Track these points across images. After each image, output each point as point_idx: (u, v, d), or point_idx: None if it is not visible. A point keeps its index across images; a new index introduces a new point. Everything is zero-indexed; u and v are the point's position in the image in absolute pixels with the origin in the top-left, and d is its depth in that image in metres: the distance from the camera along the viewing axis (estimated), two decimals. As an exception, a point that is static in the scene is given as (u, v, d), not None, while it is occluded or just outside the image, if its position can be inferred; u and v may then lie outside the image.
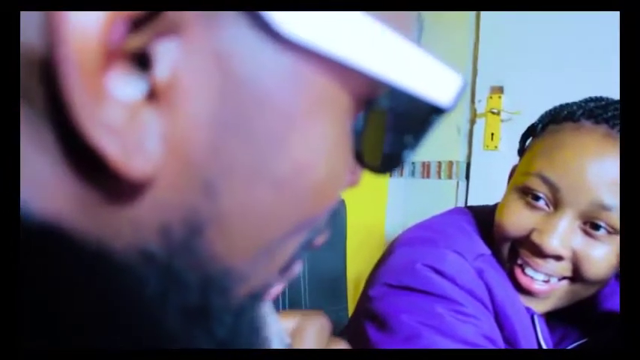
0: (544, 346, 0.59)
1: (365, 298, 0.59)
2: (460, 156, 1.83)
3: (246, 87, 0.17)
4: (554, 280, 0.56)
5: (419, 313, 0.54)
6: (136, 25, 0.16)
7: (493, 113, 1.59)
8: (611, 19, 1.27)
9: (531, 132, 0.63)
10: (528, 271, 0.57)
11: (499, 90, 1.61)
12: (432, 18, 1.72)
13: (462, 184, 1.81)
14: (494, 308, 0.56)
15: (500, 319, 0.56)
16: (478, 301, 0.56)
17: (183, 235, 0.18)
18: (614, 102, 0.58)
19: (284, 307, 0.88)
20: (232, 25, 0.17)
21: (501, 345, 0.56)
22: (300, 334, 0.34)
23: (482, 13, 1.68)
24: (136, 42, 0.16)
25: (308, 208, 0.22)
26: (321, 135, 0.20)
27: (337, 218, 1.11)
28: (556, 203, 0.55)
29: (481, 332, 0.54)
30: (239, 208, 0.19)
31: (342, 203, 1.16)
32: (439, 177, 1.86)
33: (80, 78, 0.16)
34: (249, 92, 0.17)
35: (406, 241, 0.60)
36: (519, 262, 0.57)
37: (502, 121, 1.57)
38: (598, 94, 0.60)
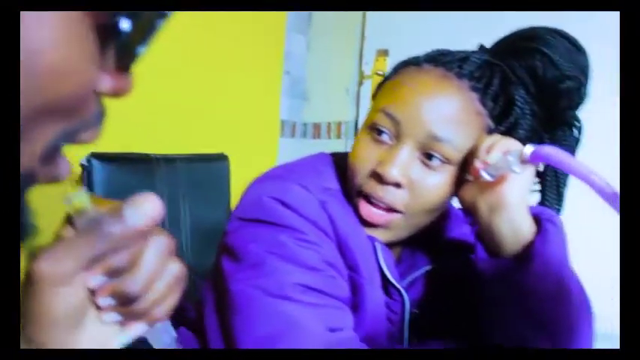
0: (386, 272, 0.64)
1: (223, 234, 0.64)
2: (349, 116, 1.95)
3: None
4: (393, 213, 0.61)
5: (265, 242, 0.58)
6: None
7: (378, 75, 1.70)
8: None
9: (385, 79, 0.68)
10: (372, 201, 0.61)
11: (384, 53, 1.71)
12: None
13: (350, 142, 1.87)
14: (336, 237, 0.61)
15: (342, 247, 0.61)
16: (320, 230, 0.60)
17: None
18: (457, 52, 0.64)
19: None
20: None
21: (342, 270, 0.60)
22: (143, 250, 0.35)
23: None
24: None
25: (46, 90, 0.26)
26: (50, 26, 0.25)
27: (220, 175, 1.16)
28: (397, 136, 0.60)
29: (322, 258, 0.58)
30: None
31: (226, 160, 1.19)
32: (329, 137, 2.01)
33: None
34: None
35: (258, 179, 0.64)
36: (364, 194, 0.61)
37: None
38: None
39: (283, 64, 1.93)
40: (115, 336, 0.37)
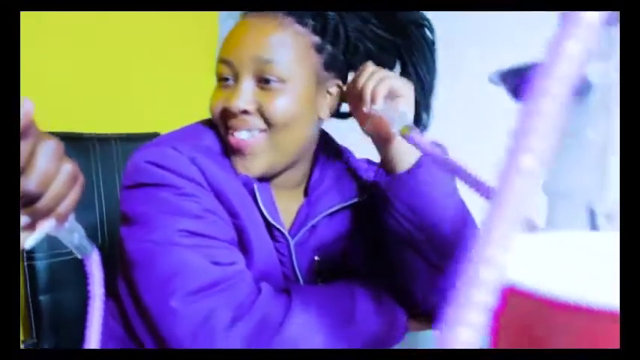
0: (265, 213, 0.69)
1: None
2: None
3: None
4: (255, 134, 0.67)
5: (148, 202, 0.65)
6: None
7: None
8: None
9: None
10: (235, 134, 0.67)
11: None
12: None
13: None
14: (211, 188, 0.66)
15: (218, 195, 0.67)
16: (195, 183, 0.65)
17: None
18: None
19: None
20: None
21: (223, 215, 0.66)
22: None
23: None
24: None
25: None
26: None
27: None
28: (236, 76, 0.67)
29: (202, 207, 0.65)
30: None
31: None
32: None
33: None
34: None
35: (138, 149, 0.70)
36: (229, 131, 0.68)
37: None
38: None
39: (217, 44, 1.90)
40: (27, 237, 0.41)
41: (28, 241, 0.42)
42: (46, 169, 0.39)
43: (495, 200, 0.19)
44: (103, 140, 1.06)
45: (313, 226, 0.75)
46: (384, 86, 0.65)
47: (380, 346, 0.66)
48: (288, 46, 0.67)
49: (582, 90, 0.27)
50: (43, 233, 0.42)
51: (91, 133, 1.06)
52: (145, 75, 1.53)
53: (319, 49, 0.69)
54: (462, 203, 0.73)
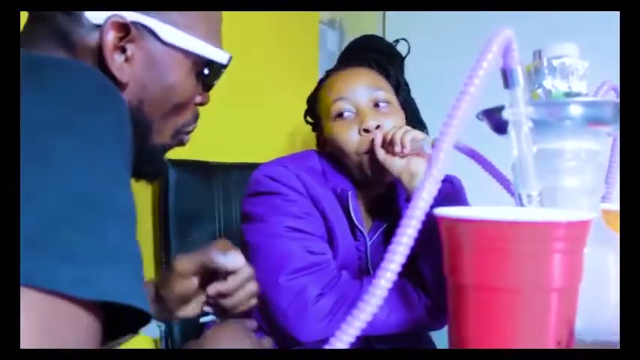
0: (352, 216, 0.89)
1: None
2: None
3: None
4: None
5: (264, 205, 0.88)
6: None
7: None
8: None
9: (319, 87, 0.99)
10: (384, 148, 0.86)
11: None
12: (344, 13, 1.86)
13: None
14: (309, 196, 0.88)
15: (314, 202, 0.88)
16: (298, 192, 0.87)
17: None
18: (358, 56, 0.98)
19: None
20: None
21: (317, 217, 0.88)
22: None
23: (388, 16, 1.89)
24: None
25: (174, 99, 0.54)
26: (178, 69, 0.54)
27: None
28: (355, 107, 0.90)
29: (302, 210, 0.87)
30: (154, 100, 0.53)
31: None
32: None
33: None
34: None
35: (258, 168, 0.93)
36: (365, 150, 0.87)
37: None
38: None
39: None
40: (191, 309, 0.68)
41: (187, 311, 0.68)
42: (239, 283, 0.66)
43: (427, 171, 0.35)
44: (225, 168, 1.31)
45: (386, 232, 0.93)
46: (409, 135, 0.83)
47: (425, 328, 0.91)
48: (385, 84, 0.93)
49: (501, 126, 0.43)
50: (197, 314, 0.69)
51: (215, 162, 1.31)
52: (258, 110, 1.56)
53: (395, 85, 0.96)
54: None
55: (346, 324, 0.35)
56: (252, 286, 0.68)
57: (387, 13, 1.90)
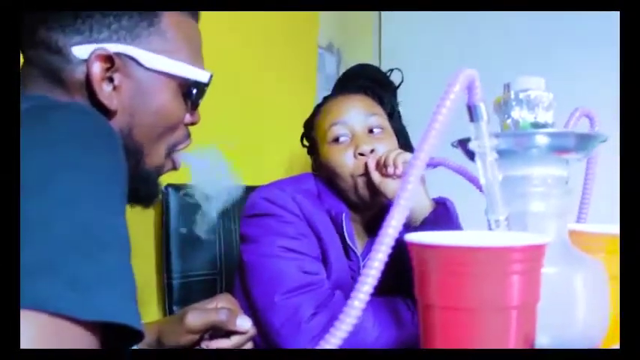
0: (346, 237, 0.91)
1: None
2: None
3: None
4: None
5: (260, 227, 0.89)
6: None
7: None
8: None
9: (315, 112, 1.01)
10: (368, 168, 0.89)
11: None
12: (341, 39, 1.91)
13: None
14: (305, 218, 0.90)
15: (309, 223, 0.90)
16: (293, 215, 0.89)
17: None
18: (354, 84, 1.02)
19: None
20: None
21: (312, 238, 0.90)
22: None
23: (384, 39, 1.98)
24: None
25: (165, 121, 0.57)
26: (166, 93, 0.57)
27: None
28: (351, 131, 0.92)
29: (297, 231, 0.88)
30: (144, 125, 0.55)
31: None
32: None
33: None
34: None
35: (255, 190, 0.94)
36: (360, 173, 0.89)
37: None
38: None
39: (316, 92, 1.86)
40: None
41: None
42: (245, 340, 0.71)
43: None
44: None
45: None
46: (402, 157, 0.86)
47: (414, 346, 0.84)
48: (379, 110, 0.96)
49: (472, 154, 0.46)
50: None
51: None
52: (261, 133, 1.55)
53: (388, 111, 1.00)
54: None
55: (324, 340, 0.39)
56: (250, 344, 0.72)
57: (383, 40, 1.99)
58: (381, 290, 0.87)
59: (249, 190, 0.94)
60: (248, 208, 0.93)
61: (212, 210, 1.07)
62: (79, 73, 0.52)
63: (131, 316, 0.37)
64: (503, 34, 1.70)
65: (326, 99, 1.01)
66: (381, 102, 0.99)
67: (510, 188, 0.48)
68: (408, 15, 1.88)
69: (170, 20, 0.56)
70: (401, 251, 0.79)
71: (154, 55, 0.54)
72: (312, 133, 1.00)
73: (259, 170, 1.50)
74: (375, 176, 0.87)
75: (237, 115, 1.47)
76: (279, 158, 1.66)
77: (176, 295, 1.15)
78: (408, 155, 0.86)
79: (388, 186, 0.86)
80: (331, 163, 0.92)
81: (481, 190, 0.55)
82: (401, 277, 0.84)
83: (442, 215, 0.88)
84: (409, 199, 0.39)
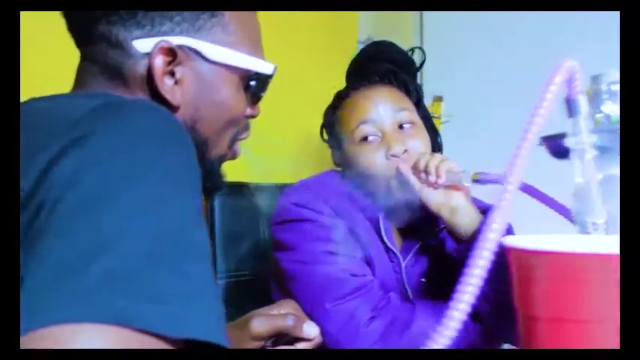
0: (384, 238, 0.88)
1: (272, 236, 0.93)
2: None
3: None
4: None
5: (295, 232, 0.86)
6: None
7: (435, 117, 1.84)
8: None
9: (335, 108, 0.96)
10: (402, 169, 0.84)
11: (439, 99, 1.90)
12: (380, 33, 1.86)
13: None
14: (339, 219, 0.85)
15: (346, 225, 0.85)
16: (328, 217, 0.85)
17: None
18: (373, 72, 0.94)
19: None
20: None
21: (351, 240, 0.85)
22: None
23: (426, 37, 1.93)
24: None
25: (229, 113, 0.56)
26: (229, 86, 0.56)
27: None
28: (382, 130, 0.87)
29: (338, 234, 0.83)
30: (208, 118, 0.55)
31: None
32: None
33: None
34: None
35: (283, 194, 0.92)
36: (395, 173, 0.85)
37: (442, 123, 1.87)
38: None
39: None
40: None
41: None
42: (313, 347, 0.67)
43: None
44: (268, 189, 1.33)
45: (419, 253, 0.92)
46: (445, 165, 0.80)
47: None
48: (408, 103, 0.92)
49: (562, 152, 0.43)
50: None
51: (253, 182, 1.33)
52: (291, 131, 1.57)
53: (415, 101, 0.94)
54: None
55: (432, 342, 0.36)
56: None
57: (425, 31, 1.93)
58: (434, 294, 0.86)
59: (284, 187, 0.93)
60: (279, 213, 0.90)
61: (255, 208, 1.08)
62: (141, 68, 0.51)
63: (219, 333, 0.35)
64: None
65: (348, 90, 0.95)
66: (407, 91, 0.93)
67: (608, 189, 0.44)
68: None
69: (232, 11, 0.55)
70: (452, 262, 0.80)
71: (218, 47, 0.53)
72: (334, 128, 0.95)
73: (297, 167, 1.51)
74: (414, 182, 0.82)
75: (276, 112, 1.48)
76: (322, 155, 1.65)
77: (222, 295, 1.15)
78: (451, 164, 0.81)
79: (429, 196, 0.82)
80: (361, 164, 0.87)
81: (550, 205, 0.52)
82: (450, 285, 0.83)
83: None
84: (512, 202, 0.36)
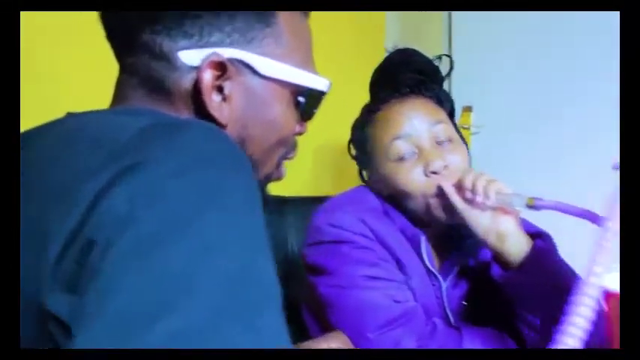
0: (425, 259, 0.82)
1: (302, 256, 0.88)
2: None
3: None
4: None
5: (331, 255, 0.80)
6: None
7: (464, 128, 1.80)
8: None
9: (366, 117, 0.89)
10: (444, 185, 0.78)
11: (469, 109, 1.85)
12: (407, 41, 1.83)
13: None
14: (378, 240, 0.81)
15: (385, 246, 0.81)
16: (367, 238, 0.80)
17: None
18: (403, 85, 0.88)
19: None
20: None
21: (392, 263, 0.80)
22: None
23: (454, 45, 1.87)
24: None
25: (279, 133, 0.52)
26: (279, 104, 0.51)
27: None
28: (419, 146, 0.81)
29: (376, 256, 0.79)
30: (257, 137, 0.50)
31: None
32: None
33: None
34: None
35: (316, 213, 0.86)
36: (434, 192, 0.79)
37: (471, 134, 1.82)
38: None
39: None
40: None
41: None
42: None
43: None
44: (297, 201, 1.31)
45: (460, 276, 0.86)
46: (494, 186, 0.74)
47: None
48: (444, 116, 0.85)
49: None
50: None
51: (287, 196, 1.29)
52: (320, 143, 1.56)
53: (449, 112, 0.88)
54: (575, 276, 0.75)
55: None
56: None
57: (453, 36, 1.87)
58: (475, 318, 0.85)
59: (322, 200, 0.88)
60: (313, 235, 0.84)
61: (281, 222, 1.04)
62: (187, 82, 0.46)
63: None
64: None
65: (378, 103, 0.88)
66: (438, 101, 0.87)
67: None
68: (479, 15, 1.75)
69: (285, 21, 0.50)
70: (495, 286, 0.77)
71: (270, 61, 0.48)
72: (365, 144, 0.88)
73: (317, 179, 1.52)
74: (457, 202, 0.76)
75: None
76: (344, 166, 1.65)
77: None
78: (500, 184, 0.74)
79: (475, 219, 0.75)
80: (398, 182, 0.81)
81: (583, 216, 0.51)
82: (493, 309, 0.80)
83: (543, 250, 0.75)
84: (613, 241, 0.35)
